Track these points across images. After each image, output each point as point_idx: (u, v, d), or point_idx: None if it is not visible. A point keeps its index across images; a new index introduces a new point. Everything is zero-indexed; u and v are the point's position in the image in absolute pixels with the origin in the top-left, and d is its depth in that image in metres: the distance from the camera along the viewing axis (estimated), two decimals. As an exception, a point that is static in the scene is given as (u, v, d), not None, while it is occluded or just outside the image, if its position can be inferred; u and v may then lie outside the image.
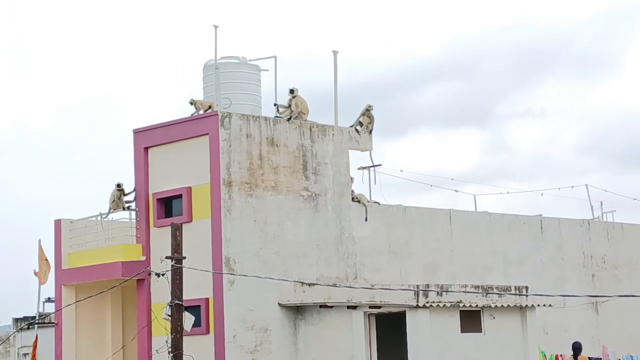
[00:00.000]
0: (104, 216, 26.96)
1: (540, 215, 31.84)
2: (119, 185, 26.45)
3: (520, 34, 56.81)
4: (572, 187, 35.12)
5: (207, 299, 24.46)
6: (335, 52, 27.64)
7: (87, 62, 58.58)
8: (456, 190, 33.13)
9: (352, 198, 26.76)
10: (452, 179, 34.28)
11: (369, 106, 27.48)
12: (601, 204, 35.22)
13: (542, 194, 35.70)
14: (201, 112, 25.87)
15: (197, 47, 50.18)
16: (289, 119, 26.12)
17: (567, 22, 57.49)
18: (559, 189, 35.23)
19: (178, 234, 20.20)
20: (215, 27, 26.90)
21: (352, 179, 27.16)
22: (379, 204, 27.25)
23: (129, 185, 26.50)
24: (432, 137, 59.35)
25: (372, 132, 27.57)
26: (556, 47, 58.10)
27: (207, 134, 24.95)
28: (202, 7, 56.02)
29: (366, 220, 26.78)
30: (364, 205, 26.88)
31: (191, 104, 25.90)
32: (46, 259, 27.51)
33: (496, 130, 60.07)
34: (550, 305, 26.40)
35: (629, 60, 59.75)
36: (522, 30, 56.95)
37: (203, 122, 25.20)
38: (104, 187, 27.88)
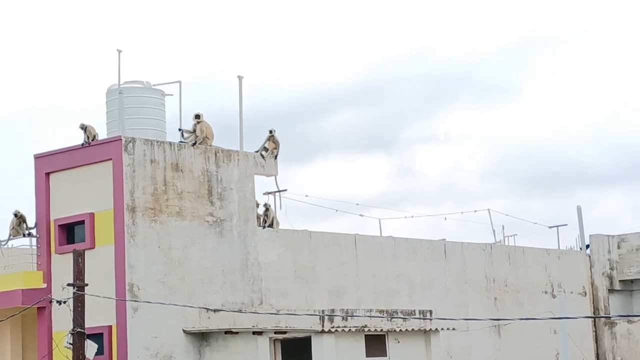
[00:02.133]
0: (3, 243, 26.51)
1: (444, 239, 32.22)
2: (16, 215, 26.04)
3: (425, 63, 57.77)
4: (475, 211, 35.61)
5: (110, 327, 24.10)
6: (240, 78, 27.67)
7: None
8: (361, 215, 33.34)
9: (271, 222, 26.97)
10: (357, 204, 34.45)
11: (272, 130, 27.57)
12: (503, 228, 35.80)
13: (445, 219, 36.13)
14: (96, 138, 25.43)
15: (100, 72, 49.63)
16: (193, 144, 26.00)
17: (471, 53, 58.79)
18: (462, 213, 35.70)
19: (80, 261, 19.93)
20: (119, 51, 26.71)
21: (257, 204, 27.16)
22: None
23: (29, 211, 26.07)
24: (338, 162, 59.75)
25: (278, 157, 27.65)
26: (460, 76, 59.16)
27: (111, 159, 24.67)
28: (105, 31, 55.53)
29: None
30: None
31: (81, 128, 25.56)
32: None
33: (402, 156, 60.79)
34: (454, 329, 26.71)
35: (530, 90, 61.29)
36: (426, 59, 57.92)
37: (106, 147, 24.92)
38: (3, 214, 27.34)
